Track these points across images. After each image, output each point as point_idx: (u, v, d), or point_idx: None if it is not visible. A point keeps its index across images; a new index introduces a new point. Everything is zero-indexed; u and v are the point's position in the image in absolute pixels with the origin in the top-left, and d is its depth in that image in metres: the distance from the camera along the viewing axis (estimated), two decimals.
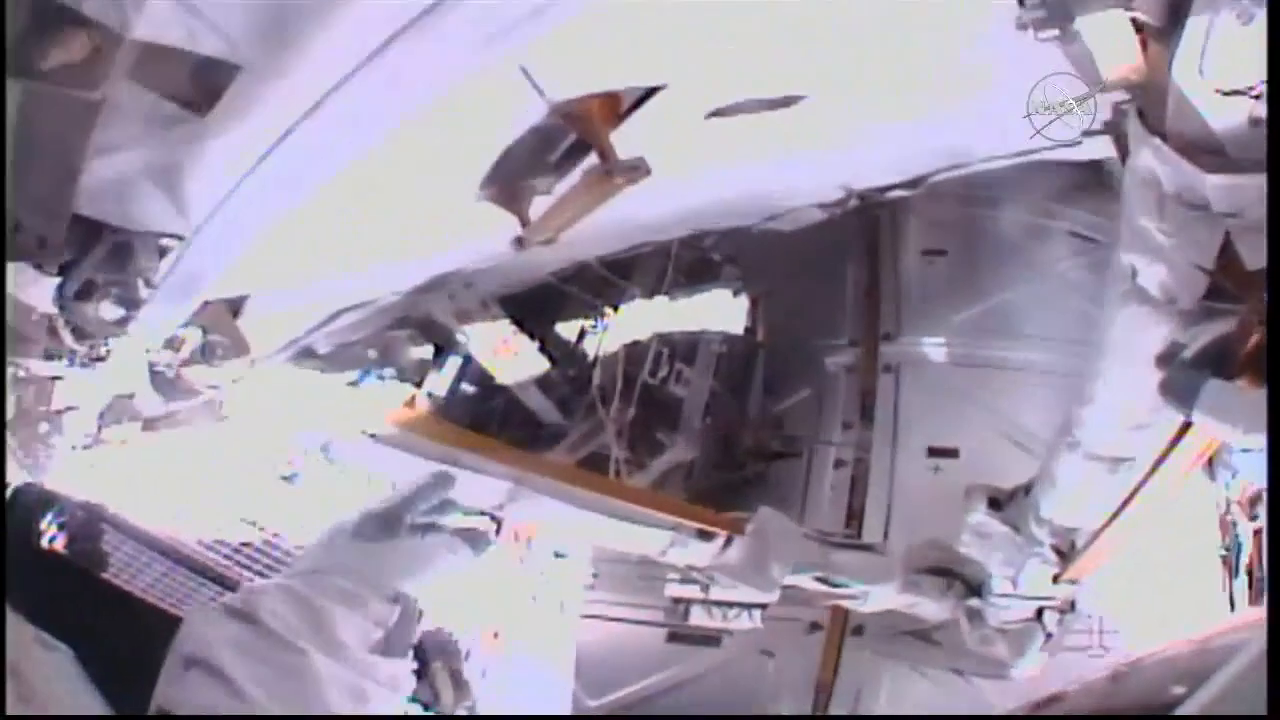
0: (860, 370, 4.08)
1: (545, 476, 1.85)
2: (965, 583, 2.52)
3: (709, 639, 3.48)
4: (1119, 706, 1.16)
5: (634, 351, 3.98)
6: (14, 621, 1.22)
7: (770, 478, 4.00)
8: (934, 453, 3.74)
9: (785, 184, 3.01)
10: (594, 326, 4.13)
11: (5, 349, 1.56)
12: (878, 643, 3.12)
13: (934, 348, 4.04)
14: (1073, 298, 3.84)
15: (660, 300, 4.13)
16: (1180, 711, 0.88)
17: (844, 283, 4.38)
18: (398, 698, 1.29)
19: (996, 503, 2.41)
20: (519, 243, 2.23)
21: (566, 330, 4.17)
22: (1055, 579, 2.35)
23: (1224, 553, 2.94)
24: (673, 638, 3.52)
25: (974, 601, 2.50)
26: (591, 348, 4.09)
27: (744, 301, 4.39)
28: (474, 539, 1.52)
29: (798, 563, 2.34)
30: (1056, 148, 2.33)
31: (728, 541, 2.25)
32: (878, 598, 2.48)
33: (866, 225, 4.40)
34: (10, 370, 1.63)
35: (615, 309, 4.10)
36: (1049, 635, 2.47)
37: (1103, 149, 2.24)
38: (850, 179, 3.04)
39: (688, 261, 4.26)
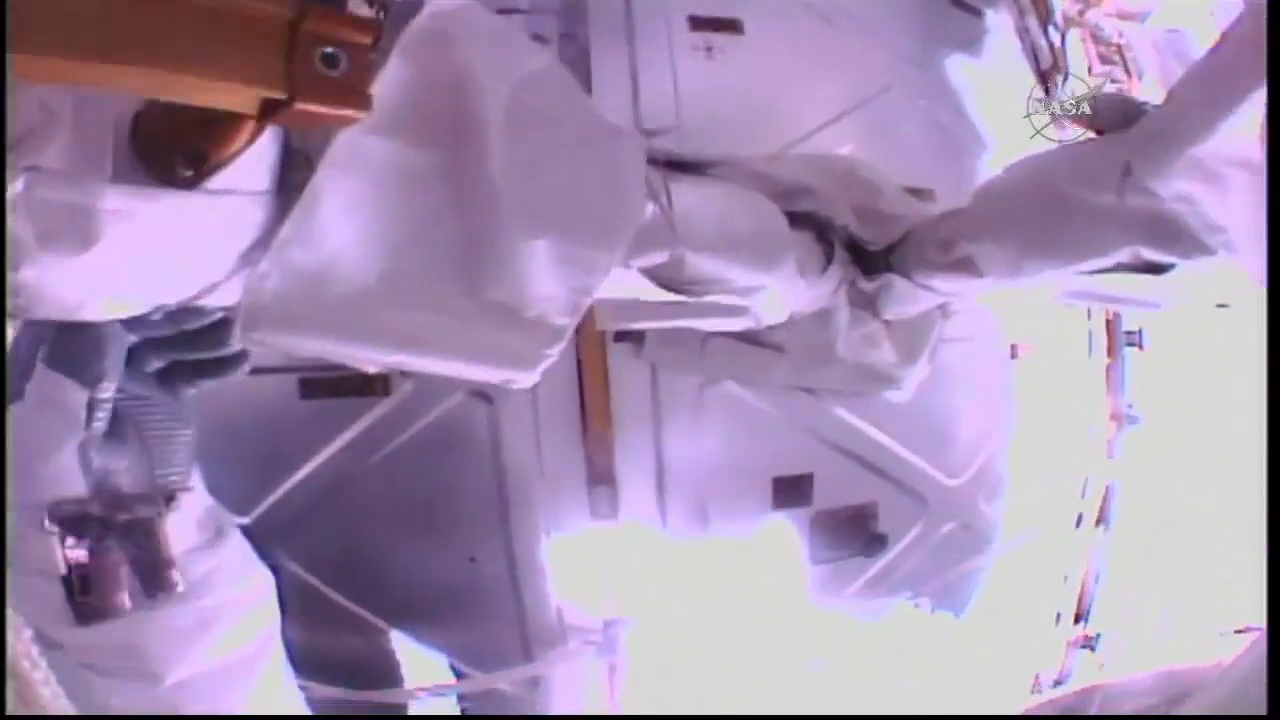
0: None
1: None
2: (855, 248, 1.39)
3: (362, 388, 1.76)
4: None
5: None
6: (14, 621, 1.22)
7: None
8: (700, 24, 2.02)
9: None
10: None
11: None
12: (668, 352, 1.55)
13: None
14: None
15: None
16: (1180, 711, 0.88)
17: None
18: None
19: None
20: None
21: None
22: None
23: None
24: (308, 390, 1.73)
25: (874, 282, 1.39)
26: None
27: None
28: None
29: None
30: None
31: None
32: (774, 294, 1.20)
33: None
34: None
35: None
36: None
37: None
38: None
39: None
